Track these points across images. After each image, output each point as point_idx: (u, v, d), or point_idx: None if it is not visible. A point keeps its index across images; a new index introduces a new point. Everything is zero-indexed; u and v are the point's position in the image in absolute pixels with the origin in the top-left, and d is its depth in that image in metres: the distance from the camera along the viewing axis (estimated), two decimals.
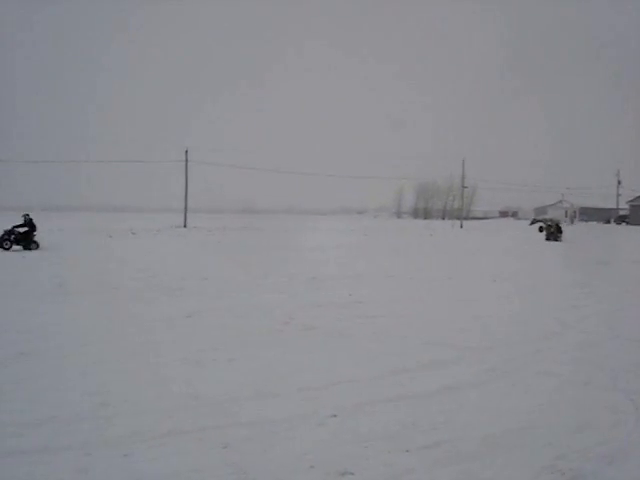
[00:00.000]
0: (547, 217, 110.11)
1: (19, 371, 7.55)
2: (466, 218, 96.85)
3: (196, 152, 66.83)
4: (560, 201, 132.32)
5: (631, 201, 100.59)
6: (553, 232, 43.09)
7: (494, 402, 6.62)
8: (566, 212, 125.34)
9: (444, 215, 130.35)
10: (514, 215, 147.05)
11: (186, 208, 64.33)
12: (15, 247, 25.76)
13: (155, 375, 7.42)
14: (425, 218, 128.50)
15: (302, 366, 7.88)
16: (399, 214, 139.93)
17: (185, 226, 59.20)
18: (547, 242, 41.23)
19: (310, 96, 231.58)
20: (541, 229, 47.38)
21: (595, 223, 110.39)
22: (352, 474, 4.79)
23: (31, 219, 26.03)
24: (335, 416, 6.04)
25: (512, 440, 5.54)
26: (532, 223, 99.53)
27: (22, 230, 26.01)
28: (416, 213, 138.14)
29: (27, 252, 25.16)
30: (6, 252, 24.93)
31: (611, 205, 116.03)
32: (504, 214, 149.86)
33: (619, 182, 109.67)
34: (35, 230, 26.29)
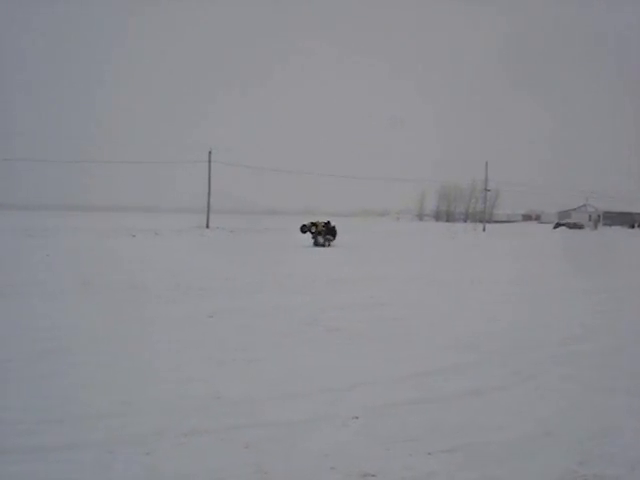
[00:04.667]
0: (570, 220, 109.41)
1: (43, 368, 7.61)
2: (489, 221, 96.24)
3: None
4: (584, 205, 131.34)
5: None
6: (320, 235, 33.90)
7: (516, 406, 6.56)
8: (590, 216, 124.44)
9: (466, 218, 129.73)
10: (537, 218, 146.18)
11: (209, 209, 64.54)
12: None
13: (177, 374, 7.43)
14: (447, 221, 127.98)
15: (324, 367, 7.87)
16: (421, 217, 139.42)
17: (207, 226, 59.45)
18: (315, 248, 32.84)
19: (321, 97, 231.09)
20: (304, 229, 34.40)
21: (619, 227, 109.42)
22: (373, 476, 4.76)
23: None
24: (357, 418, 6.02)
25: (534, 445, 5.49)
26: (556, 227, 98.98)
27: None
28: (438, 216, 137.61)
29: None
30: None
31: (637, 210, 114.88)
32: (527, 217, 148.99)
33: None
34: None
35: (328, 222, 34.68)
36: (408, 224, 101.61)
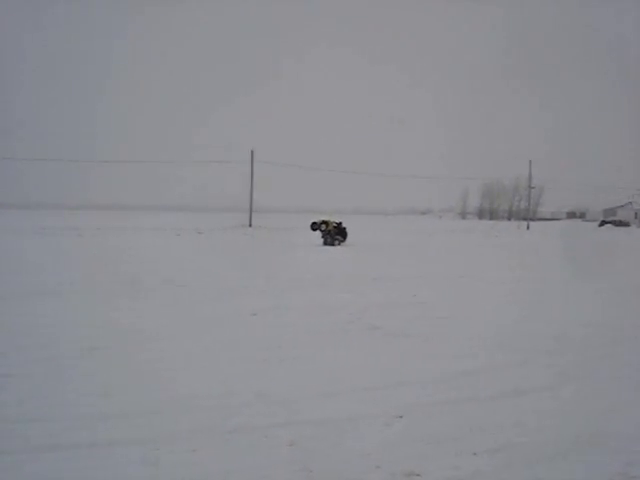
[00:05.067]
0: (616, 218, 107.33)
1: (88, 365, 7.75)
2: (533, 219, 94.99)
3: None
4: (630, 202, 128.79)
5: None
6: (330, 234, 33.29)
7: (563, 406, 6.48)
8: (636, 214, 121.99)
9: (510, 216, 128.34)
10: (582, 216, 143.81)
11: (251, 208, 64.97)
12: None
13: (221, 372, 7.51)
14: (491, 219, 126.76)
15: (367, 366, 7.88)
16: (464, 215, 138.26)
17: (250, 225, 59.78)
18: (324, 247, 32.01)
19: (361, 97, 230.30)
20: (314, 226, 34.06)
21: None
22: (418, 475, 4.75)
23: None
24: (401, 417, 6.01)
25: (582, 445, 5.42)
26: (601, 224, 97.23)
27: None
28: (481, 214, 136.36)
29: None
30: None
31: None
32: (572, 215, 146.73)
33: None
34: None
35: (340, 223, 33.96)
36: (450, 222, 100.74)
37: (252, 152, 65.96)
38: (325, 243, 32.91)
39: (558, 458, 5.13)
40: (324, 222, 33.56)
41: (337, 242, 33.07)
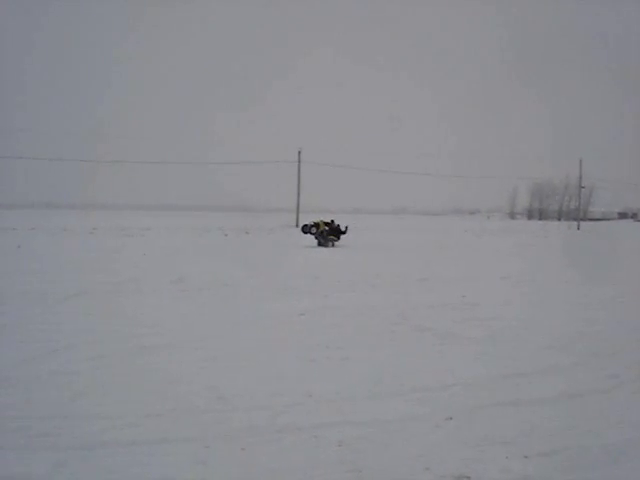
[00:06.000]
0: None
1: (139, 364, 7.88)
2: (583, 219, 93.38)
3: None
4: None
5: None
6: (322, 235, 31.77)
7: (615, 410, 6.35)
8: None
9: (560, 216, 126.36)
10: (634, 217, 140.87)
11: (298, 208, 65.12)
12: None
13: (270, 371, 7.55)
14: (540, 219, 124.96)
15: (415, 367, 7.83)
16: (513, 215, 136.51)
17: (297, 225, 59.94)
18: (318, 248, 30.70)
19: (411, 98, 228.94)
20: (305, 229, 32.55)
21: None
22: (468, 478, 4.71)
23: None
24: (451, 419, 5.97)
25: (634, 450, 5.32)
26: None
27: None
28: (530, 214, 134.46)
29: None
30: None
31: None
32: (623, 215, 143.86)
33: None
34: None
35: (332, 221, 33.05)
36: (498, 222, 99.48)
37: (299, 152, 66.07)
38: (319, 244, 31.88)
39: (610, 462, 5.04)
40: (315, 224, 32.30)
41: (330, 243, 31.95)
